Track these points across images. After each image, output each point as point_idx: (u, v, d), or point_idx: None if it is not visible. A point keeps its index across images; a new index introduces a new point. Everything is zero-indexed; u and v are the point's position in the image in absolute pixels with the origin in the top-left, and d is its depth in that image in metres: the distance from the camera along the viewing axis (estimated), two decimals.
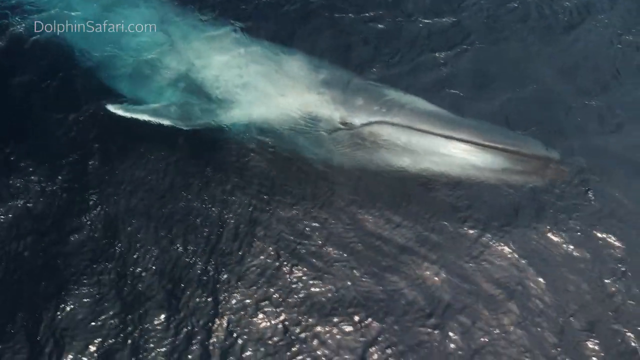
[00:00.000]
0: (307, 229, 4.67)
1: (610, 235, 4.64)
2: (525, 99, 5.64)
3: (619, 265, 4.48)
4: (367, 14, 6.37)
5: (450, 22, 6.41)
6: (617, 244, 4.60)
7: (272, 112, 5.06)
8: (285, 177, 5.00)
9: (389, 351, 4.07)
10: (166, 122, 4.96)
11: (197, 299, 4.25)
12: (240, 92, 5.13)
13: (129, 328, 4.09)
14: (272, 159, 5.06)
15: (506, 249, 4.58)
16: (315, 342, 4.09)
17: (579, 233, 4.68)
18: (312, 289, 4.33)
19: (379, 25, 6.29)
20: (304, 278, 4.38)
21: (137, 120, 4.99)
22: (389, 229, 4.70)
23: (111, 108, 5.01)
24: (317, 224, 4.70)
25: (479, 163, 4.69)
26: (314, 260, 4.48)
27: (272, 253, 4.50)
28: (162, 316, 4.15)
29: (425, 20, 6.38)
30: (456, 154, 4.71)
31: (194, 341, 4.05)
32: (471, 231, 4.69)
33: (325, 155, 5.02)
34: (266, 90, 5.11)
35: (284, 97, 5.07)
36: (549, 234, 4.68)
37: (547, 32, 6.43)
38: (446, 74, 5.86)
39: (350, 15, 6.33)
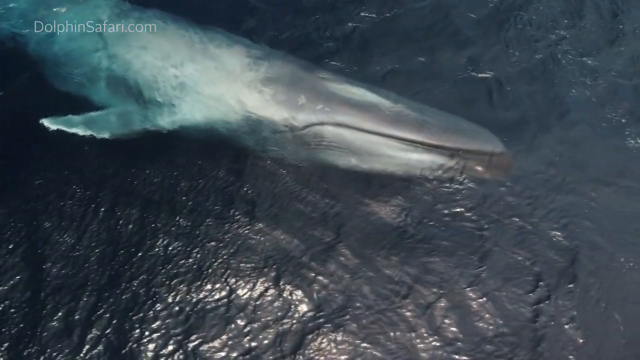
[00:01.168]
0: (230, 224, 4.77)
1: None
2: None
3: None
4: None
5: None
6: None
7: (212, 114, 4.87)
8: (225, 178, 4.97)
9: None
10: (104, 135, 4.84)
11: (101, 281, 4.43)
12: (179, 95, 4.91)
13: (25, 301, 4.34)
14: (216, 160, 5.01)
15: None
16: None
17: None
18: (203, 294, 4.45)
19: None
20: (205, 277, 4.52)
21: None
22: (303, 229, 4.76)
23: (47, 122, 4.82)
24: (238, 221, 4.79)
25: (421, 161, 4.64)
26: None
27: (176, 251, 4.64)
28: (59, 296, 4.35)
29: None
30: (399, 153, 4.63)
31: (87, 318, 4.28)
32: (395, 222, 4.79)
33: (270, 155, 4.95)
34: (204, 91, 4.87)
35: (223, 97, 4.85)
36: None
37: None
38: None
39: None
